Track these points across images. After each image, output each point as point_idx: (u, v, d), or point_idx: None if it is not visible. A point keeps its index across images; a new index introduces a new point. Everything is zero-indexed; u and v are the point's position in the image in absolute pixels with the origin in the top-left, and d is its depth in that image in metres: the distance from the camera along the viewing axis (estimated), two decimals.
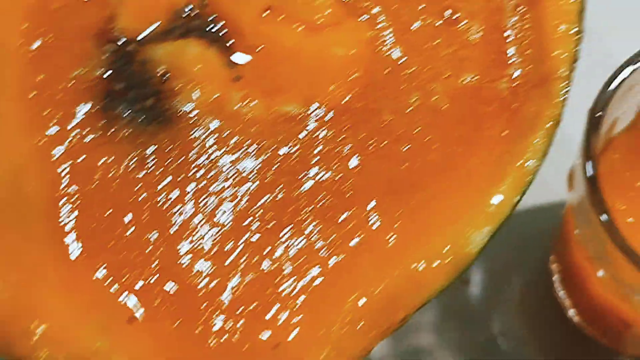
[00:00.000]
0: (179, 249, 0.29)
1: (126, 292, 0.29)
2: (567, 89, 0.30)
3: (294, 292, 0.29)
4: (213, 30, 0.32)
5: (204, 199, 0.30)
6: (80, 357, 0.27)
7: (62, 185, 0.30)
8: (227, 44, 0.32)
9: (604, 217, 0.32)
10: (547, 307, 0.46)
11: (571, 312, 0.44)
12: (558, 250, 0.43)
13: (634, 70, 0.33)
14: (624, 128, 0.38)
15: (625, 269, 0.32)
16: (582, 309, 0.43)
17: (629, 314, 0.37)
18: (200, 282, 0.29)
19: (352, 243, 0.29)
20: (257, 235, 0.30)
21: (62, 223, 0.29)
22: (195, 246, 0.30)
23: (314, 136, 0.31)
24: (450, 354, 0.46)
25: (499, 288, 0.48)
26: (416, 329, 0.47)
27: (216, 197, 0.30)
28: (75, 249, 0.29)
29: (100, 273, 0.29)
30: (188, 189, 0.30)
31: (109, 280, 0.29)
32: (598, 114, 0.33)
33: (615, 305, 0.37)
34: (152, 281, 0.29)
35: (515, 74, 0.31)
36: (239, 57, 0.32)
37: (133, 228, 0.29)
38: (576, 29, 0.30)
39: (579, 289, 0.41)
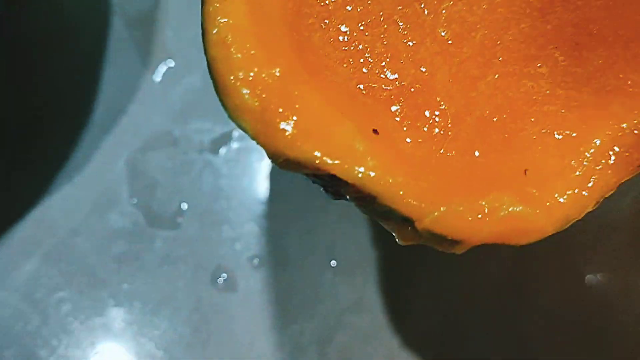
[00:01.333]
0: (427, 67, 0.29)
1: (376, 102, 0.28)
2: None
3: (543, 121, 0.29)
4: None
5: (448, 23, 0.30)
6: (338, 154, 0.26)
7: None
8: None
9: None
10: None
11: None
12: None
13: None
14: None
15: None
16: None
17: None
18: (447, 101, 0.29)
19: (600, 80, 0.29)
20: (508, 64, 0.29)
21: (306, 34, 0.29)
22: (441, 67, 0.29)
23: None
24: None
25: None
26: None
27: (461, 24, 0.30)
28: (323, 57, 0.28)
29: (352, 82, 0.28)
30: (429, 11, 0.30)
31: (359, 89, 0.28)
32: None
33: None
34: (401, 95, 0.29)
35: None
36: None
37: (376, 43, 0.29)
38: None
39: None
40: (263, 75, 0.26)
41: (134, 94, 0.47)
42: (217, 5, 0.27)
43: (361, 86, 0.28)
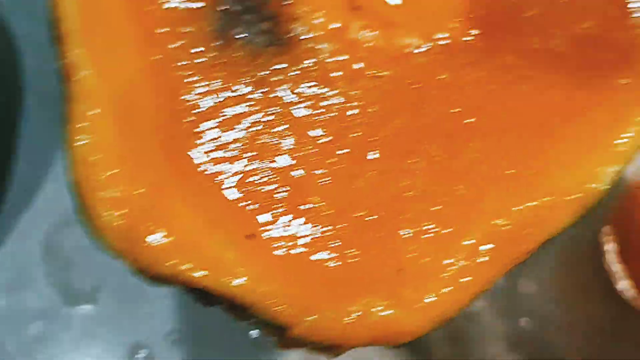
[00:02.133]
0: (302, 169, 0.29)
1: (249, 208, 0.28)
2: None
3: (419, 218, 0.29)
4: None
5: (324, 122, 0.30)
6: (207, 266, 0.26)
7: (180, 101, 0.29)
8: None
9: None
10: (592, 279, 0.47)
11: (624, 285, 0.45)
12: (619, 220, 0.43)
13: None
14: None
15: None
16: None
17: None
18: (323, 202, 0.29)
19: (476, 175, 0.29)
20: (381, 161, 0.29)
21: (181, 137, 0.29)
22: (317, 168, 0.29)
23: (434, 70, 0.31)
24: (493, 318, 0.46)
25: (541, 256, 0.48)
26: None
27: (336, 121, 0.30)
28: (195, 162, 0.28)
29: (223, 187, 0.28)
30: (309, 112, 0.30)
31: (231, 195, 0.28)
32: None
33: None
34: (275, 199, 0.28)
35: (636, 24, 0.31)
36: None
37: (253, 145, 0.29)
38: None
39: None
40: (127, 193, 0.26)
41: (49, 172, 0.47)
42: (81, 123, 0.27)
43: (236, 190, 0.28)
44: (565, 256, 0.48)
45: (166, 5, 0.31)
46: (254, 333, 0.46)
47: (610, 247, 0.45)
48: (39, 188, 0.48)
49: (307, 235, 0.28)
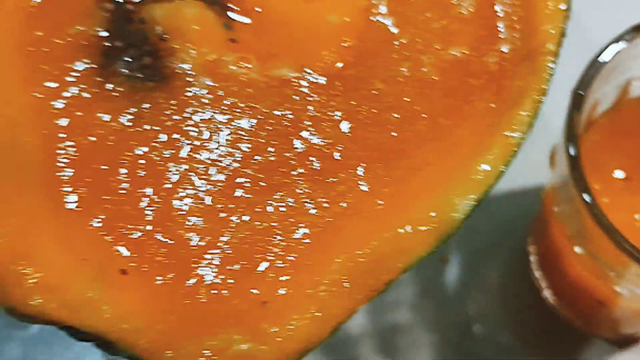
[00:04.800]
0: (173, 204, 0.30)
1: (120, 244, 0.29)
2: (553, 64, 0.30)
3: (283, 251, 0.30)
4: None
5: (198, 156, 0.31)
6: (72, 305, 0.27)
7: (59, 138, 0.30)
8: (225, 7, 0.32)
9: (585, 195, 0.33)
10: (524, 288, 0.47)
11: (546, 293, 0.45)
12: (536, 231, 0.44)
13: (617, 51, 0.34)
14: (605, 111, 0.39)
15: (603, 245, 0.33)
16: (557, 289, 0.44)
17: (603, 292, 0.38)
18: (193, 237, 0.30)
19: (340, 206, 0.30)
20: (249, 194, 0.30)
21: (59, 175, 0.30)
22: (188, 202, 0.30)
23: (306, 100, 0.32)
24: (427, 333, 0.47)
25: (477, 269, 0.48)
26: (395, 306, 0.47)
27: (209, 155, 0.31)
28: (71, 200, 0.29)
29: (95, 224, 0.29)
30: (182, 146, 0.31)
31: (103, 232, 0.29)
32: (581, 93, 0.34)
33: (591, 283, 0.38)
34: (145, 234, 0.29)
35: (504, 49, 0.32)
36: (236, 20, 0.32)
37: (128, 182, 0.30)
38: (565, 6, 0.31)
39: (555, 268, 0.42)
40: None
41: None
42: None
43: (106, 229, 0.29)
44: (501, 268, 0.49)
45: (50, 43, 0.31)
46: None
47: (533, 257, 0.46)
48: None
49: (175, 271, 0.29)
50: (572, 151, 0.33)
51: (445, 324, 0.47)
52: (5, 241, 0.27)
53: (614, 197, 0.38)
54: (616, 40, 0.35)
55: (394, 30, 0.32)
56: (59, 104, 0.31)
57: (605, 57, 0.34)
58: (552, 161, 0.37)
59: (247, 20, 0.32)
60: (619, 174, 0.38)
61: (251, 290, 0.29)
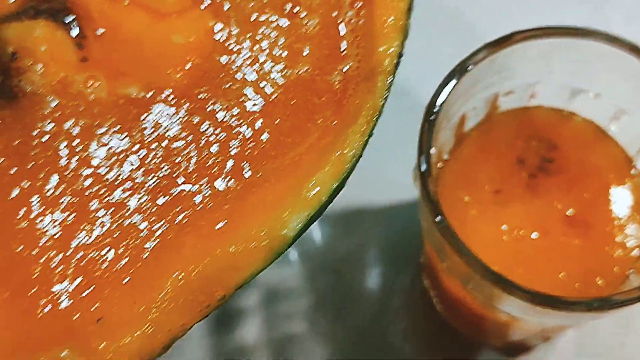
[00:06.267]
0: (13, 220, 0.30)
1: None
2: (390, 82, 0.31)
3: (118, 268, 0.30)
4: (62, 12, 0.33)
5: (42, 177, 0.31)
6: None
7: None
8: (74, 26, 0.33)
9: (433, 211, 0.33)
10: (417, 298, 0.48)
11: (435, 302, 0.46)
12: (423, 242, 0.44)
13: (472, 66, 0.35)
14: (475, 125, 0.40)
15: (454, 260, 0.34)
16: (441, 299, 0.45)
17: (473, 304, 0.38)
18: (33, 256, 0.30)
19: (177, 222, 0.31)
20: (92, 211, 0.31)
21: None
22: (29, 220, 0.30)
23: (152, 120, 0.32)
24: (322, 343, 0.48)
25: (371, 278, 0.49)
26: (289, 317, 0.48)
27: (56, 175, 0.31)
28: None
29: None
30: (27, 168, 0.31)
31: None
32: (434, 109, 0.34)
33: (462, 296, 0.39)
34: None
35: (347, 68, 0.32)
36: (85, 39, 0.33)
37: None
38: (402, 23, 0.31)
39: (436, 279, 0.42)
40: None
41: None
42: None
43: None
44: (397, 279, 0.49)
45: None
46: None
47: (423, 268, 0.46)
48: None
49: (12, 286, 0.30)
50: (422, 166, 0.34)
51: (339, 335, 0.47)
52: None
53: (483, 209, 0.39)
54: (473, 56, 0.35)
55: (241, 49, 0.33)
56: None
57: (460, 72, 0.35)
58: (415, 178, 0.38)
59: (95, 40, 0.32)
60: (488, 186, 0.39)
61: (89, 307, 0.29)
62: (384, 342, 0.48)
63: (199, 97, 0.32)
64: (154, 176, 0.31)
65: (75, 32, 0.33)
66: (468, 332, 0.45)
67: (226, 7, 0.33)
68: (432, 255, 0.40)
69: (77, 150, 0.32)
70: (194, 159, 0.32)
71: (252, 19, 0.33)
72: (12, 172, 0.31)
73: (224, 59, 0.33)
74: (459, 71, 0.34)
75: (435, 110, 0.34)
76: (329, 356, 0.47)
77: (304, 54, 0.33)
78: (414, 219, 0.46)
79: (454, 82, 0.35)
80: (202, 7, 0.33)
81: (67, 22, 0.33)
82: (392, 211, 0.50)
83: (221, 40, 0.33)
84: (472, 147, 0.39)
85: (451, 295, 0.41)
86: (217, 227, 0.30)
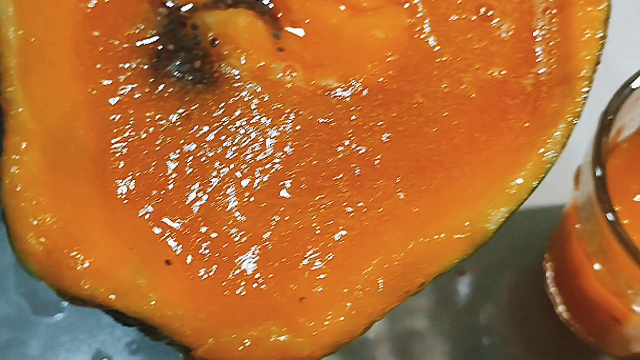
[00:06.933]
0: (218, 201, 0.31)
1: (166, 236, 0.31)
2: (588, 89, 0.32)
3: (322, 250, 0.31)
4: (260, 2, 0.34)
5: (243, 157, 0.32)
6: (120, 291, 0.29)
7: (112, 133, 0.32)
8: (275, 17, 0.34)
9: (609, 215, 0.34)
10: (537, 303, 0.49)
11: (561, 309, 0.47)
12: (554, 248, 0.45)
13: None
14: (628, 136, 0.41)
15: (622, 263, 0.35)
16: (572, 304, 0.45)
17: (619, 309, 0.39)
18: (235, 233, 0.31)
19: (378, 211, 0.32)
20: (291, 195, 0.32)
21: (110, 167, 0.31)
22: (232, 200, 0.32)
23: (349, 110, 0.33)
24: (441, 340, 0.48)
25: (492, 282, 0.50)
26: (411, 313, 0.49)
27: (255, 156, 0.32)
28: (121, 192, 0.31)
29: (144, 216, 0.31)
30: (229, 146, 0.32)
31: (150, 223, 0.31)
32: (610, 117, 0.35)
33: (607, 299, 0.40)
34: (190, 228, 0.31)
35: (541, 72, 0.33)
36: (285, 30, 0.34)
37: (176, 177, 0.32)
38: (601, 34, 0.32)
39: (572, 284, 0.43)
40: (48, 220, 0.29)
41: None
42: (12, 155, 0.29)
43: (155, 220, 0.31)
44: (515, 284, 0.50)
45: (105, 42, 0.33)
46: None
47: (549, 273, 0.47)
48: None
49: (219, 262, 0.31)
50: (598, 172, 0.35)
51: (459, 333, 0.48)
52: (59, 226, 0.29)
53: (634, 218, 0.40)
54: None
55: (436, 48, 0.34)
56: (112, 101, 0.32)
57: (636, 84, 0.36)
58: (577, 181, 0.39)
59: (295, 31, 0.34)
60: (639, 197, 0.40)
61: (290, 286, 0.31)
62: (502, 343, 0.48)
63: (395, 91, 0.33)
64: (354, 166, 0.32)
65: (272, 22, 0.34)
66: (593, 339, 0.46)
67: (421, 7, 0.34)
68: (577, 259, 0.41)
69: (276, 135, 0.33)
70: (390, 152, 0.33)
71: (447, 20, 0.34)
72: (213, 153, 0.32)
73: (420, 56, 0.34)
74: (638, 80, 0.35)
75: (612, 118, 0.35)
76: (448, 353, 0.48)
77: (498, 56, 0.34)
78: (535, 227, 0.47)
79: (627, 91, 0.36)
80: (398, 5, 0.34)
81: (265, 12, 0.34)
82: (514, 217, 0.51)
83: (419, 38, 0.34)
84: (623, 157, 0.40)
85: (591, 300, 0.42)
86: (415, 217, 0.31)
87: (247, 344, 0.29)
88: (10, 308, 0.49)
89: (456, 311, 0.49)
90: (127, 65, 0.33)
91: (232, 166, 0.32)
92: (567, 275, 0.44)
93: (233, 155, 0.32)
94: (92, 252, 0.29)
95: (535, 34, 0.34)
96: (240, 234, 0.31)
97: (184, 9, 0.34)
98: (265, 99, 0.33)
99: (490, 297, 0.49)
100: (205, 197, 0.32)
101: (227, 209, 0.32)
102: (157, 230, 0.31)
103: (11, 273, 0.49)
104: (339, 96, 0.33)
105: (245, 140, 0.33)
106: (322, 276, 0.31)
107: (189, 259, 0.31)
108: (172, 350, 0.48)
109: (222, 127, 0.33)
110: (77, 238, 0.29)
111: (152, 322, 0.29)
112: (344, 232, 0.31)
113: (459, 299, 0.49)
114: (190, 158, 0.32)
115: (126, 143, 0.32)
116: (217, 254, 0.31)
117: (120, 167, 0.32)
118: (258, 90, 0.33)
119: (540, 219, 0.50)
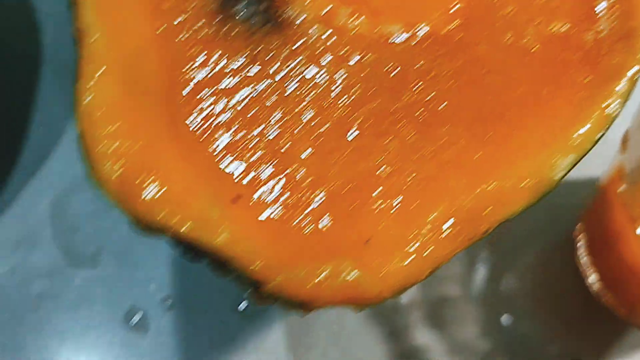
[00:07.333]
0: (284, 142, 0.32)
1: (234, 174, 0.31)
2: None
3: (388, 194, 0.31)
4: None
5: (309, 100, 0.33)
6: (194, 221, 0.29)
7: (180, 71, 0.32)
8: None
9: None
10: (566, 276, 0.49)
11: (592, 279, 0.47)
12: (589, 216, 0.46)
13: None
14: None
15: None
16: (606, 274, 0.46)
17: None
18: (303, 174, 0.31)
19: (443, 156, 0.32)
20: (357, 138, 0.32)
21: (180, 103, 0.32)
22: (299, 142, 0.32)
23: (413, 57, 0.33)
24: (473, 308, 0.49)
25: (521, 253, 0.50)
26: (444, 279, 0.49)
27: (320, 100, 0.33)
28: (191, 126, 0.31)
29: (212, 152, 0.31)
30: (295, 89, 0.33)
31: (219, 160, 0.31)
32: None
33: None
34: (258, 168, 0.31)
35: (602, 27, 0.34)
36: None
37: (242, 116, 0.32)
38: None
39: (610, 252, 0.44)
40: (124, 146, 0.29)
41: (60, 139, 0.50)
42: (88, 81, 0.29)
43: (225, 155, 0.31)
44: (543, 254, 0.51)
45: None
46: (242, 306, 0.49)
47: (580, 244, 0.48)
48: (51, 154, 0.51)
49: (286, 201, 0.31)
50: None
51: (490, 302, 0.49)
52: (136, 153, 0.29)
53: None
54: None
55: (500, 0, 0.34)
56: (181, 38, 0.33)
57: None
58: (625, 145, 0.39)
59: None
60: None
61: (356, 228, 0.31)
62: (531, 312, 0.49)
63: (459, 41, 0.34)
64: (419, 113, 0.33)
65: None
66: (625, 311, 0.46)
67: None
68: (617, 225, 0.41)
69: (342, 80, 0.33)
70: (455, 100, 0.33)
71: None
72: (280, 95, 0.33)
73: (485, 7, 0.34)
74: None
75: None
76: (479, 320, 0.48)
77: (559, 11, 0.34)
78: (565, 199, 0.48)
79: None
80: None
81: None
82: None
83: None
84: None
85: (629, 267, 0.42)
86: (481, 165, 0.32)
87: (318, 280, 0.29)
88: (45, 260, 0.49)
89: (486, 280, 0.49)
90: (195, 5, 0.33)
91: (297, 109, 0.33)
92: (603, 243, 0.44)
93: (299, 98, 0.33)
94: (167, 181, 0.29)
95: None
96: (307, 175, 0.32)
97: None
98: (329, 44, 0.33)
99: (519, 268, 0.50)
100: (272, 137, 0.32)
101: (296, 149, 0.32)
102: (225, 167, 0.31)
103: (47, 224, 0.49)
104: (404, 43, 0.34)
105: (310, 84, 0.33)
106: (388, 220, 0.31)
107: (256, 196, 0.31)
108: (207, 305, 0.48)
109: (288, 69, 0.33)
110: (152, 166, 0.29)
111: (223, 255, 0.29)
112: (409, 177, 0.32)
113: (489, 268, 0.50)
114: (257, 99, 0.32)
115: (194, 79, 0.32)
116: (284, 194, 0.31)
117: (189, 103, 0.32)
118: (323, 35, 0.33)
119: (570, 192, 0.51)
